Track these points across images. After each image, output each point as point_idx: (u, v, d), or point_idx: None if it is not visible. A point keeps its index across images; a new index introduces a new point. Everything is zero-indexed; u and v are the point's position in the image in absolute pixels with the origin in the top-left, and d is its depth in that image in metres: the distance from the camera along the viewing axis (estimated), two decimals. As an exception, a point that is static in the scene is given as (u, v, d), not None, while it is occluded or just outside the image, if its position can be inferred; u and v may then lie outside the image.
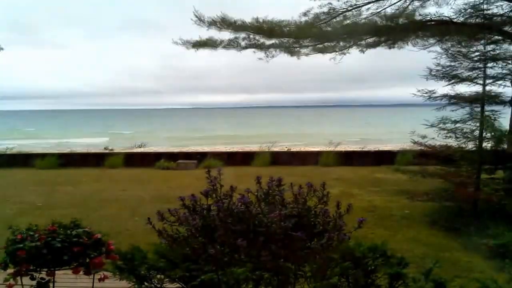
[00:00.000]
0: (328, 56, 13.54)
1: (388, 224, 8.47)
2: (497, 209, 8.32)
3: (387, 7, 11.74)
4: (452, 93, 9.50)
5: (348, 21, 11.99)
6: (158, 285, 3.45)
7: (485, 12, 10.02)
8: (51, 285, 3.95)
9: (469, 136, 9.16)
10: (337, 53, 13.39)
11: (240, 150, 21.65)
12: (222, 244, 3.22)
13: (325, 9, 11.97)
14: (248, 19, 12.31)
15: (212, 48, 13.32)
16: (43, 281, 3.90)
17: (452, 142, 9.40)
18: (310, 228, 3.32)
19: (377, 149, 20.30)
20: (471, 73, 9.37)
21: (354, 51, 13.49)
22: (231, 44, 13.12)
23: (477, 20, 10.18)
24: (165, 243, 3.41)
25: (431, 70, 9.55)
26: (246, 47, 13.23)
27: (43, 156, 17.99)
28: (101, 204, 10.38)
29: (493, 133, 8.95)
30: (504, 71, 9.29)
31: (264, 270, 3.22)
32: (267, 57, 13.56)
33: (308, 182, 3.48)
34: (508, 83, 9.45)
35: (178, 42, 13.48)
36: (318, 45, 13.02)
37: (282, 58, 13.73)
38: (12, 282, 3.80)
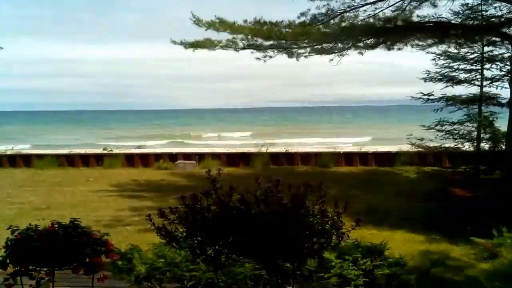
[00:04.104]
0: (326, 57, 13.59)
1: (386, 225, 8.49)
2: (495, 210, 8.34)
3: (385, 9, 11.79)
4: (450, 94, 9.54)
5: (345, 23, 12.03)
6: (157, 285, 3.47)
7: (483, 13, 10.06)
8: (50, 285, 3.96)
9: (466, 137, 9.20)
10: (335, 55, 13.43)
11: (239, 151, 21.63)
12: (221, 243, 3.25)
13: (323, 10, 12.02)
14: (247, 18, 12.36)
15: (210, 48, 13.34)
16: (42, 281, 3.92)
17: (450, 143, 9.44)
18: (308, 228, 3.34)
19: (375, 150, 20.31)
20: (469, 74, 9.41)
21: (352, 52, 13.54)
22: (228, 45, 13.14)
23: (474, 21, 10.22)
24: (163, 240, 3.43)
25: (429, 72, 9.59)
26: (244, 48, 13.25)
27: (42, 156, 17.98)
28: (100, 205, 10.39)
29: (491, 133, 8.98)
30: (502, 73, 9.33)
31: (262, 269, 3.24)
32: (265, 57, 13.60)
33: (306, 182, 3.50)
34: (505, 85, 9.49)
35: (176, 41, 13.50)
36: (316, 46, 13.05)
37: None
38: (12, 282, 3.81)
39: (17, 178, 15.03)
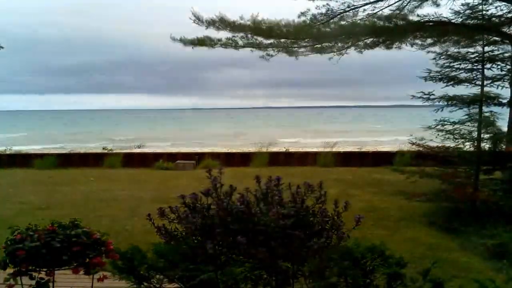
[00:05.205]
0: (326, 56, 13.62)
1: (387, 225, 8.48)
2: (495, 210, 8.34)
3: (384, 8, 11.80)
4: (450, 94, 9.52)
5: (345, 22, 12.05)
6: (157, 285, 3.46)
7: (484, 13, 10.05)
8: (50, 285, 3.95)
9: (467, 137, 9.18)
10: (335, 54, 13.45)
11: (239, 150, 21.67)
12: (221, 243, 3.24)
13: (323, 10, 12.03)
14: (246, 19, 12.37)
15: (209, 46, 13.36)
16: (42, 281, 3.91)
17: (451, 143, 9.43)
18: (308, 228, 3.34)
19: (375, 150, 20.35)
20: (469, 74, 9.39)
21: (352, 52, 13.57)
22: (228, 43, 13.15)
23: (475, 21, 10.21)
24: (163, 239, 3.43)
25: (430, 71, 9.57)
26: (244, 46, 13.27)
27: (42, 156, 17.99)
28: (100, 204, 10.38)
29: (492, 133, 8.97)
30: (503, 72, 9.31)
31: (262, 269, 3.23)
32: (267, 55, 13.62)
33: (306, 181, 3.50)
34: (506, 84, 9.47)
35: (175, 38, 13.51)
36: (316, 46, 13.07)
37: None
38: (12, 282, 3.81)
39: (17, 177, 15.03)
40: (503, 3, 10.68)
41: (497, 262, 6.26)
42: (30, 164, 17.34)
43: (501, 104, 9.35)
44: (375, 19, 11.84)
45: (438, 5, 11.52)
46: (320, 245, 3.18)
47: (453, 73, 9.44)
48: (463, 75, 9.43)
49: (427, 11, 11.72)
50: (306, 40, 12.84)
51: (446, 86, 9.46)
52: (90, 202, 10.64)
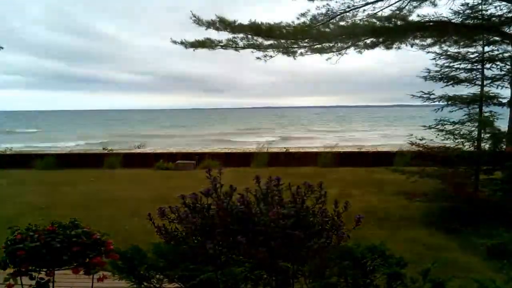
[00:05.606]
0: (325, 56, 13.64)
1: (387, 225, 8.48)
2: (496, 210, 8.34)
3: (385, 8, 11.81)
4: (450, 94, 9.53)
5: (345, 22, 12.06)
6: (157, 285, 3.46)
7: (483, 13, 10.05)
8: (50, 285, 3.95)
9: (467, 137, 9.18)
10: (334, 54, 13.46)
11: (239, 151, 21.65)
12: (221, 243, 3.24)
13: (323, 10, 12.04)
14: (246, 20, 12.39)
15: (210, 48, 13.36)
16: (42, 281, 3.91)
17: (450, 143, 9.43)
18: (308, 228, 3.33)
19: (375, 150, 20.33)
20: (469, 74, 9.40)
21: (351, 52, 13.58)
22: (229, 44, 13.16)
23: (475, 21, 10.22)
24: (163, 239, 3.43)
25: (429, 71, 9.58)
26: (244, 47, 13.27)
27: (42, 156, 17.97)
28: (100, 204, 10.38)
29: (491, 132, 8.97)
30: (503, 72, 9.32)
31: (262, 269, 3.23)
32: (265, 56, 13.62)
33: (306, 182, 3.50)
34: (506, 84, 9.48)
35: (176, 41, 13.52)
36: (316, 46, 13.08)
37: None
38: (12, 282, 3.81)
39: (17, 178, 15.02)
40: (503, 3, 10.67)
41: (497, 262, 6.26)
42: (30, 164, 17.32)
43: (501, 104, 9.36)
44: (375, 20, 11.85)
45: (435, 5, 11.53)
46: (320, 245, 3.18)
47: (453, 73, 9.45)
48: (463, 75, 9.45)
49: (427, 11, 11.77)
50: (306, 40, 12.85)
51: (446, 85, 9.47)
52: (90, 202, 10.65)
